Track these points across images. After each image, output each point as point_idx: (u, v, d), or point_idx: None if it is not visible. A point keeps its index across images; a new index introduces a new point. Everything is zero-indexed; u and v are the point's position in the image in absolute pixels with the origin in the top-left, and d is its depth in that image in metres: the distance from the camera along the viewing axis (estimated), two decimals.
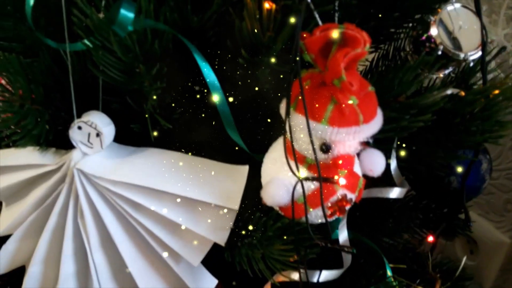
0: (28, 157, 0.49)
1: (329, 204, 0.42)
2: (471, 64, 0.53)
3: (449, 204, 0.86)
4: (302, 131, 0.38)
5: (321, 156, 0.39)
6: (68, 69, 0.43)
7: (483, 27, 0.48)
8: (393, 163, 0.52)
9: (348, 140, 0.37)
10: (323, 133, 0.37)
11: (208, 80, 0.39)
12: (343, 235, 0.50)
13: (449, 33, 0.52)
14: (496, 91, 0.45)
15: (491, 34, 0.65)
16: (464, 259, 0.72)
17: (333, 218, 0.44)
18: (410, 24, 0.55)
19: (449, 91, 0.53)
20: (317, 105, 0.37)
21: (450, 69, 0.56)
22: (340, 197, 0.42)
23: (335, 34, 0.35)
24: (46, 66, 0.48)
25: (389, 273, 0.52)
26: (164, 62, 0.42)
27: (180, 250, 0.50)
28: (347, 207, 0.43)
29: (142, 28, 0.38)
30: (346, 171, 0.42)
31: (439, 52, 0.51)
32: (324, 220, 0.44)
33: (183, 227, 0.48)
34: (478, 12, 0.48)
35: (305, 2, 0.36)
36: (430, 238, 0.58)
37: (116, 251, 0.51)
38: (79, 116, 0.45)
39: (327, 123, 0.37)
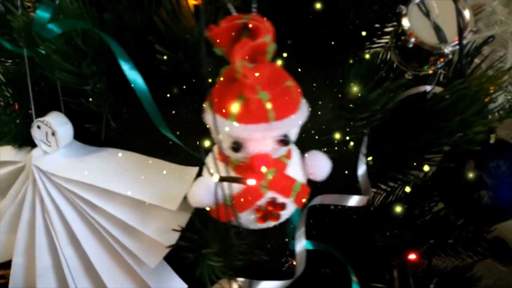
0: (6, 154, 0.53)
1: (261, 209, 0.40)
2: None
3: (478, 222, 0.76)
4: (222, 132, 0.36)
5: (235, 155, 0.37)
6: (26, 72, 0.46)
7: (458, 13, 0.42)
8: (361, 168, 0.47)
9: (257, 137, 0.35)
10: (231, 130, 0.35)
11: (130, 79, 0.39)
12: (300, 245, 0.47)
13: (426, 23, 0.46)
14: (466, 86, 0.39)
15: (499, 15, 0.57)
16: None
17: (266, 224, 0.41)
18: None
19: (428, 88, 0.47)
20: (225, 101, 0.35)
21: (440, 64, 0.50)
22: (268, 200, 0.39)
23: (235, 22, 0.33)
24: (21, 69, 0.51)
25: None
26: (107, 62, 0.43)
27: (137, 250, 0.50)
28: (281, 212, 0.40)
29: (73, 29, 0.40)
30: (273, 172, 0.39)
31: (410, 45, 0.46)
32: (257, 226, 0.41)
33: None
34: None
35: None
36: (412, 256, 0.51)
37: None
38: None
39: (235, 119, 0.35)
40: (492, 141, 0.76)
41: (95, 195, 0.48)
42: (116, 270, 0.53)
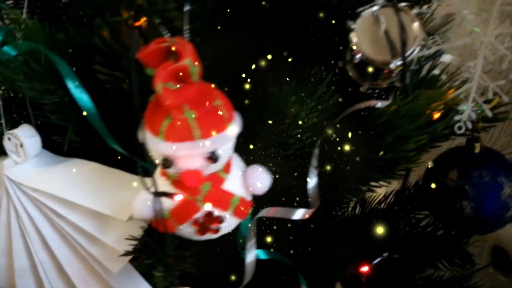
0: None
1: (199, 222, 0.41)
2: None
3: (461, 233, 0.75)
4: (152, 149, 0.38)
5: (167, 170, 0.39)
6: None
7: (401, 28, 0.42)
8: (312, 181, 0.48)
9: (184, 155, 0.36)
10: (159, 147, 0.37)
11: (76, 96, 0.42)
12: (250, 256, 0.48)
13: (375, 38, 0.47)
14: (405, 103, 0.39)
15: (479, 35, 0.56)
16: None
17: (206, 236, 0.42)
18: None
19: (378, 104, 0.48)
20: (155, 120, 0.37)
21: (394, 78, 0.50)
22: (205, 214, 0.41)
23: (160, 46, 0.35)
24: None
25: None
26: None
27: (101, 257, 0.52)
28: (219, 225, 0.42)
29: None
30: (209, 186, 0.40)
31: (356, 61, 0.46)
32: (199, 238, 0.43)
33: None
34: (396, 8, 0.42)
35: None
36: (364, 268, 0.51)
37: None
38: None
39: (163, 137, 0.36)
40: (476, 150, 0.75)
41: (60, 205, 0.51)
42: (85, 274, 0.56)
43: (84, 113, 0.42)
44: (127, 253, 0.46)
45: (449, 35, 0.68)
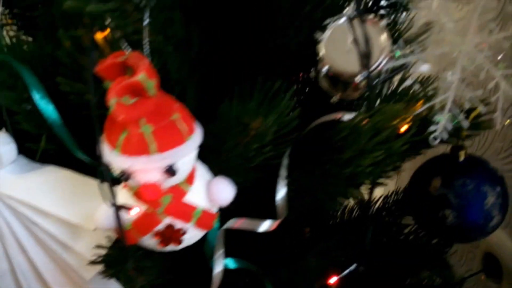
0: None
1: (160, 234, 0.41)
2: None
3: (443, 242, 0.75)
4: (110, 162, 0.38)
5: (126, 183, 0.39)
6: None
7: (366, 40, 0.42)
8: (281, 192, 0.48)
9: (140, 169, 0.37)
10: (117, 161, 0.37)
11: (41, 107, 0.42)
12: (218, 267, 0.48)
13: (344, 50, 0.46)
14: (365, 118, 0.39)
15: (458, 44, 0.55)
16: None
17: (169, 247, 0.42)
18: None
19: (346, 116, 0.47)
20: (113, 133, 0.37)
21: (365, 89, 0.49)
22: (166, 226, 0.41)
23: (115, 60, 0.35)
24: None
25: None
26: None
27: (74, 262, 0.53)
28: (181, 237, 0.42)
29: None
30: (169, 199, 0.41)
31: (322, 73, 0.46)
32: (163, 249, 0.43)
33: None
34: (358, 17, 0.42)
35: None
36: (332, 280, 0.51)
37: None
38: None
39: (120, 151, 0.37)
40: (461, 158, 0.74)
41: (34, 212, 0.51)
42: (62, 278, 0.57)
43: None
44: (93, 262, 0.47)
45: (427, 44, 0.68)
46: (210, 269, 0.50)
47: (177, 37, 0.44)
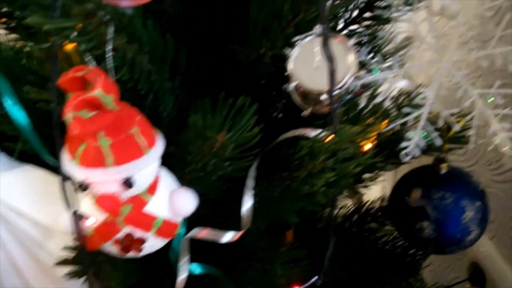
0: None
1: (119, 242, 0.43)
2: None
3: (419, 254, 0.75)
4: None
5: (85, 193, 0.40)
6: None
7: (330, 59, 0.42)
8: (247, 203, 0.49)
9: (97, 181, 0.38)
10: (74, 171, 0.38)
11: (12, 113, 0.43)
12: (183, 273, 0.49)
13: (310, 67, 0.47)
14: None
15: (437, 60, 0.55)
16: None
17: (130, 254, 0.44)
18: None
19: (312, 133, 0.48)
20: (73, 144, 0.38)
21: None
22: (126, 235, 0.42)
23: (74, 75, 0.36)
24: None
25: None
26: None
27: (48, 260, 0.55)
28: (141, 246, 0.43)
29: None
30: (129, 208, 0.42)
31: (290, 89, 0.46)
32: (124, 256, 0.44)
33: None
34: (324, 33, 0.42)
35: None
36: None
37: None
38: None
39: (78, 162, 0.38)
40: (442, 171, 0.75)
41: (11, 209, 0.53)
42: (40, 273, 0.58)
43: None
44: (60, 263, 0.48)
45: (406, 59, 0.68)
46: (175, 274, 0.51)
47: (151, 47, 0.44)
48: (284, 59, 0.50)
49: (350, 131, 0.38)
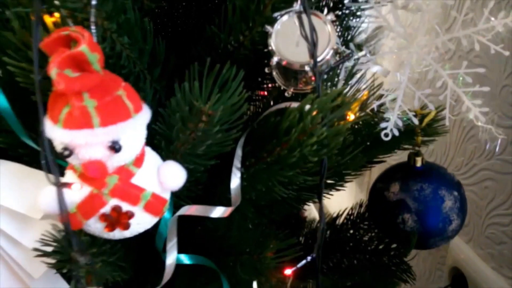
0: None
1: (106, 216, 0.41)
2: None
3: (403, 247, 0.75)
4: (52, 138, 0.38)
5: (69, 161, 0.38)
6: None
7: (313, 30, 0.43)
8: (234, 181, 0.48)
9: (82, 143, 0.36)
10: (57, 135, 0.36)
11: None
12: (171, 257, 0.47)
13: (291, 42, 0.48)
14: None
15: (407, 46, 0.58)
16: None
17: (116, 233, 0.42)
18: None
19: (295, 105, 0.48)
20: (55, 108, 0.37)
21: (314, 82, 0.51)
22: (112, 208, 0.40)
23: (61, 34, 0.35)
24: None
25: None
26: None
27: (22, 260, 0.51)
28: (130, 221, 0.41)
29: None
30: (116, 179, 0.40)
31: (273, 63, 0.47)
32: (109, 235, 0.42)
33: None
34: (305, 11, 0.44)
35: None
36: (288, 271, 0.51)
37: None
38: None
39: (62, 125, 0.36)
40: (418, 164, 0.76)
41: None
42: (10, 278, 0.54)
43: None
44: (40, 254, 0.45)
45: (378, 47, 0.71)
46: (163, 264, 0.49)
47: (130, 27, 0.45)
48: (263, 44, 0.51)
49: (336, 90, 0.39)
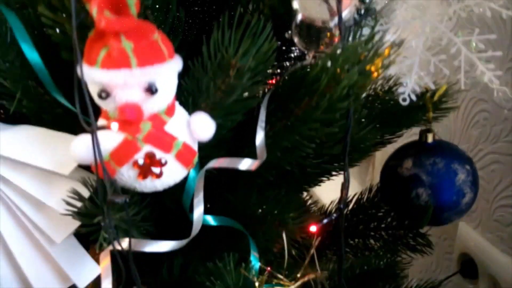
0: None
1: (139, 163, 0.41)
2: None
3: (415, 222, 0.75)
4: (88, 81, 0.38)
5: (108, 106, 0.39)
6: None
7: None
8: (259, 136, 0.48)
9: (120, 83, 0.37)
10: (95, 76, 0.37)
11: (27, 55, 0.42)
12: (198, 210, 0.47)
13: (313, 4, 0.49)
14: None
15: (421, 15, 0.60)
16: None
17: (147, 180, 0.42)
18: None
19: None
20: (92, 52, 0.38)
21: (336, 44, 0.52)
22: (146, 154, 0.41)
23: None
24: None
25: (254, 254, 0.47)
26: None
27: (45, 226, 0.51)
28: (162, 168, 0.41)
29: None
30: (149, 126, 0.41)
31: (298, 22, 0.49)
32: (141, 185, 0.42)
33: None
34: None
35: None
36: (313, 228, 0.51)
37: None
38: None
39: (99, 66, 0.37)
40: (430, 140, 0.77)
41: (6, 168, 0.50)
42: (30, 249, 0.54)
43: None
44: (68, 214, 0.45)
45: (392, 17, 0.73)
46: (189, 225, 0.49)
47: None
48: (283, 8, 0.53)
49: (359, 42, 0.40)
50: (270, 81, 0.69)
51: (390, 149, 0.81)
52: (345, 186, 0.47)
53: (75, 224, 0.51)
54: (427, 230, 0.77)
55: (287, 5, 0.52)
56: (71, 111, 0.48)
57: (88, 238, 0.48)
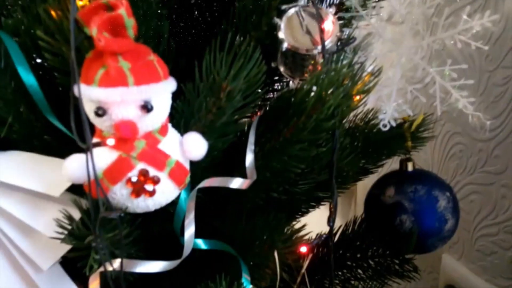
0: None
1: (133, 180, 0.41)
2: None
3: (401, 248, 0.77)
4: (85, 100, 0.39)
5: (103, 124, 0.40)
6: None
7: (319, 19, 0.48)
8: (249, 157, 0.50)
9: (117, 100, 0.38)
10: (93, 93, 0.38)
11: (23, 77, 0.44)
12: (189, 231, 0.47)
13: (299, 33, 0.52)
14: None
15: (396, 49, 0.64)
16: None
17: (140, 199, 0.42)
18: None
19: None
20: (90, 71, 0.39)
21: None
22: (140, 172, 0.41)
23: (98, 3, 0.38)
24: None
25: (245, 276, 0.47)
26: None
27: (31, 252, 0.50)
28: (155, 187, 0.42)
29: None
30: (144, 144, 0.42)
31: (283, 49, 0.52)
32: (133, 203, 0.43)
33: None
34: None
35: None
36: (303, 249, 0.51)
37: None
38: None
39: (97, 84, 0.38)
40: (410, 168, 0.80)
41: None
42: (13, 278, 0.52)
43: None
44: (57, 237, 0.44)
45: (370, 50, 0.77)
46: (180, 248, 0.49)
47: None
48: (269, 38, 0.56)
49: (343, 65, 0.43)
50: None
51: (371, 183, 0.83)
52: (333, 199, 0.48)
53: (63, 249, 0.50)
54: (412, 258, 0.78)
55: (272, 37, 0.55)
56: (60, 138, 0.49)
57: (74, 267, 0.48)
